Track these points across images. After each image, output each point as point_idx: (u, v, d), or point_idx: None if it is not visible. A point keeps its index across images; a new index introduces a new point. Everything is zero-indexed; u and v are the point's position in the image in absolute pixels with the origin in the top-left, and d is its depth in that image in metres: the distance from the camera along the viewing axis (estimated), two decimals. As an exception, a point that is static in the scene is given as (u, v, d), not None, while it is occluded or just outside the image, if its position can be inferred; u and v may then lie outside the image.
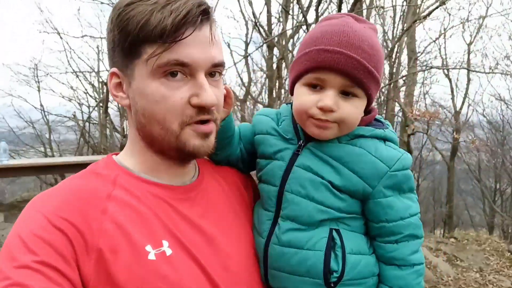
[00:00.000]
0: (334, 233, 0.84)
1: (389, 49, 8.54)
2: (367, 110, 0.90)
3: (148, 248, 0.74)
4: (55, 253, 0.67)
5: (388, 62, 10.18)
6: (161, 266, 0.73)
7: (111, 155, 0.89)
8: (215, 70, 0.81)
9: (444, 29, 11.86)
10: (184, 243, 0.78)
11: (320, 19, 0.89)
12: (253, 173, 1.05)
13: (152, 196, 0.81)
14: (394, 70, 10.18)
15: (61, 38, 10.91)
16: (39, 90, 12.16)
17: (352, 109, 0.82)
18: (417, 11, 7.77)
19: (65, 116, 12.62)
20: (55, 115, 12.65)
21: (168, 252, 0.75)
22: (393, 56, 9.66)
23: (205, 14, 0.77)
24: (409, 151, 11.15)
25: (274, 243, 0.87)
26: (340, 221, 0.86)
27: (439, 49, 12.70)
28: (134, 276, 0.71)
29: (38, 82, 12.07)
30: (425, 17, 6.96)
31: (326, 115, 0.81)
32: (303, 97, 0.84)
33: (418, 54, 11.08)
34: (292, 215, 0.86)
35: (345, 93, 0.82)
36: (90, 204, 0.75)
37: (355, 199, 0.86)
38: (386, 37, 10.57)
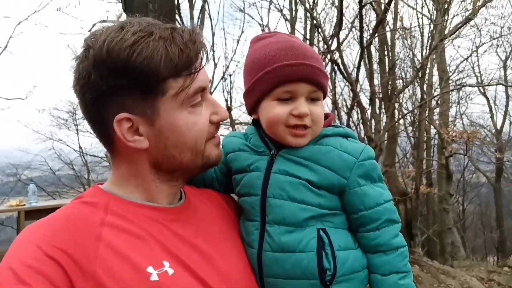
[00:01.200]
0: (321, 233, 0.89)
1: (416, 69, 8.34)
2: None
3: (150, 269, 0.73)
4: (48, 283, 0.65)
5: (419, 83, 9.92)
6: (165, 286, 0.73)
7: (97, 185, 0.88)
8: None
9: (476, 47, 11.51)
10: (184, 261, 0.78)
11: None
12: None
13: (145, 218, 0.81)
14: (426, 91, 9.89)
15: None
16: (77, 132, 12.85)
17: (319, 110, 0.92)
18: (444, 29, 7.60)
19: (98, 156, 13.15)
20: (90, 155, 13.21)
21: (170, 271, 0.75)
22: (424, 76, 9.42)
23: None
24: (449, 174, 10.55)
25: (266, 251, 0.90)
26: (324, 220, 0.91)
27: (472, 67, 12.30)
28: None
29: (77, 125, 12.79)
30: (451, 35, 6.77)
31: (302, 120, 0.89)
32: (276, 110, 0.91)
33: (450, 74, 10.76)
34: (277, 218, 0.90)
35: (311, 99, 0.92)
36: (83, 231, 0.73)
37: (333, 194, 0.92)
38: (416, 59, 10.39)
